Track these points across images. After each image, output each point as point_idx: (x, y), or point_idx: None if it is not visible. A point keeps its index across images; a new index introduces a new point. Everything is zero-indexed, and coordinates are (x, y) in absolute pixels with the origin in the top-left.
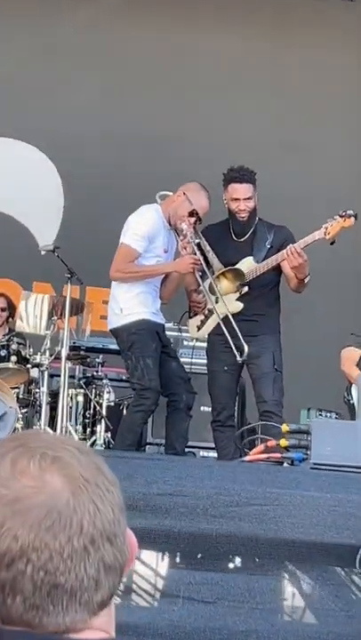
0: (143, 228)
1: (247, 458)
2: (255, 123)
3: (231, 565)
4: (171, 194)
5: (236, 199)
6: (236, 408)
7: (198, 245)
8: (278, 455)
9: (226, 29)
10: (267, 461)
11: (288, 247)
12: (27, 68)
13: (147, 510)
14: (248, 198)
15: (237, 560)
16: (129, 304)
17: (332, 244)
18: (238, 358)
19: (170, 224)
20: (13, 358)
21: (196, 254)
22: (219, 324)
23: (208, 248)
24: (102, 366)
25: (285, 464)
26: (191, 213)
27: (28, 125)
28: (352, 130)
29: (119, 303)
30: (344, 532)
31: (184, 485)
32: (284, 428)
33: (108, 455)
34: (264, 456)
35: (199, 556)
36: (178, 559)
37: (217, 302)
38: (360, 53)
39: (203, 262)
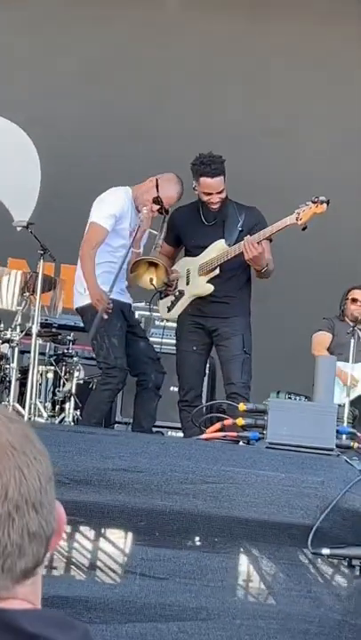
0: (111, 207)
1: (203, 436)
2: (235, 109)
3: (184, 542)
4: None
5: (209, 193)
6: (205, 389)
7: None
8: (234, 434)
9: (207, 13)
10: (223, 440)
11: (244, 239)
12: (4, 42)
13: (101, 485)
14: (220, 191)
15: (190, 537)
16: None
17: (303, 229)
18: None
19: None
20: None
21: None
22: (188, 305)
23: (158, 242)
24: (73, 344)
25: (241, 443)
26: (156, 201)
27: (6, 100)
28: (335, 116)
29: (83, 282)
30: (298, 511)
31: (139, 461)
32: (241, 406)
33: (63, 429)
34: (220, 434)
35: (156, 533)
36: (131, 535)
37: (187, 284)
38: (343, 38)
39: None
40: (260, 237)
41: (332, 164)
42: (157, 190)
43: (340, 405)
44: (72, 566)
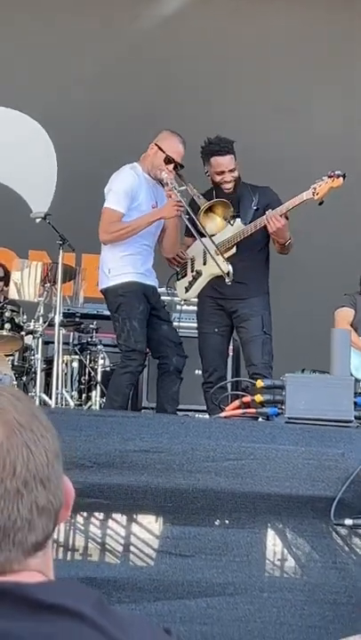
0: (121, 187)
1: (223, 414)
2: (249, 85)
3: (208, 519)
4: None
5: (221, 172)
6: (230, 370)
7: (185, 191)
8: (253, 411)
9: None
10: (242, 417)
11: (267, 213)
12: (20, 36)
13: (123, 467)
14: (232, 170)
15: (214, 514)
16: (116, 264)
17: (320, 204)
18: (227, 280)
19: (154, 178)
20: (7, 326)
21: (179, 200)
22: (208, 286)
23: (195, 191)
24: (97, 332)
25: (260, 419)
26: (168, 160)
27: (21, 93)
28: (349, 88)
29: (107, 264)
30: (319, 484)
31: (160, 442)
32: (259, 383)
33: (83, 414)
34: (239, 412)
35: (175, 510)
36: (156, 515)
37: (204, 264)
38: (351, 8)
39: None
40: (281, 211)
41: (346, 140)
42: (163, 151)
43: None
44: (99, 548)
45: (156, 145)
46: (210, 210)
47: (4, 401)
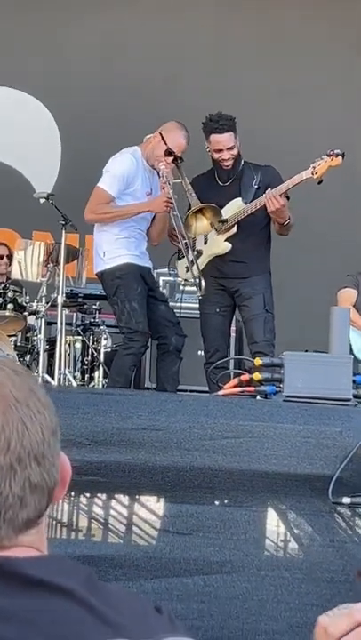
0: (116, 171)
1: (221, 392)
2: (252, 69)
3: (206, 497)
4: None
5: (220, 150)
6: (232, 351)
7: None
8: (252, 389)
9: None
10: (240, 395)
11: (266, 192)
12: (22, 15)
13: (121, 445)
14: (231, 147)
15: (212, 492)
16: (110, 247)
17: (319, 183)
18: (198, 294)
19: (151, 166)
20: (10, 306)
21: (170, 197)
22: (210, 266)
23: (189, 187)
24: (100, 313)
25: (258, 397)
26: (168, 153)
27: (24, 73)
28: (350, 73)
29: (102, 247)
30: (317, 462)
31: (157, 420)
32: (257, 361)
33: (81, 392)
34: (238, 390)
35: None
36: (153, 493)
37: (205, 243)
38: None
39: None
40: (281, 190)
41: (347, 123)
42: (165, 143)
43: None
44: (96, 526)
45: (161, 134)
46: (199, 211)
47: (3, 375)
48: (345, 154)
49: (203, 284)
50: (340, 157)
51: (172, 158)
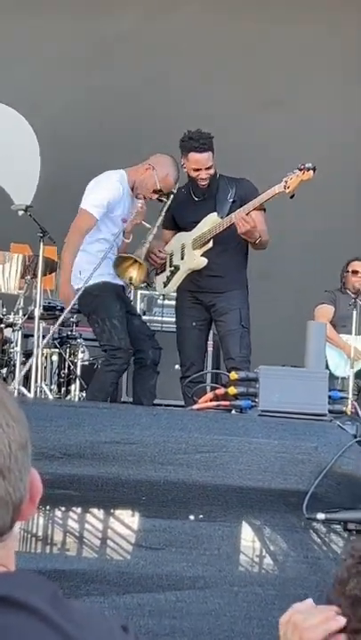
0: (104, 197)
1: (196, 406)
2: (235, 83)
3: (179, 512)
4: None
5: (198, 169)
6: (210, 365)
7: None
8: (227, 403)
9: None
10: (215, 409)
11: (235, 214)
12: (3, 28)
13: (94, 458)
14: (209, 167)
15: (185, 507)
16: (87, 266)
17: (291, 197)
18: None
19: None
20: None
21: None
22: (187, 280)
23: (149, 238)
24: (77, 326)
25: (234, 412)
26: (156, 191)
27: (5, 86)
28: (337, 84)
29: (79, 265)
30: (292, 477)
31: (131, 433)
32: (233, 375)
33: (55, 404)
34: (213, 404)
35: (144, 499)
36: (126, 507)
37: (182, 258)
38: (343, 5)
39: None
40: (248, 209)
41: (331, 136)
42: (157, 179)
43: (344, 378)
44: (68, 540)
45: (152, 168)
46: (135, 261)
47: None
48: (316, 167)
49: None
50: (311, 171)
51: (157, 195)
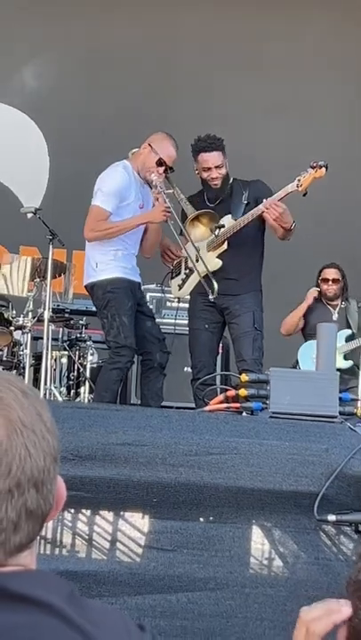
0: (111, 187)
1: (206, 408)
2: (239, 84)
3: (190, 514)
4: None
5: (208, 168)
6: (219, 368)
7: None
8: (237, 405)
9: None
10: (226, 411)
11: (264, 202)
12: (10, 30)
13: (106, 460)
14: (219, 166)
15: (197, 508)
16: (104, 259)
17: (304, 195)
18: (211, 297)
19: (143, 178)
20: None
21: (168, 206)
22: (200, 283)
23: (182, 196)
24: (86, 328)
25: (244, 414)
26: (159, 163)
27: (13, 88)
28: (339, 87)
29: (95, 258)
30: (302, 479)
31: (143, 435)
32: (243, 377)
33: (66, 406)
34: (223, 406)
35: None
36: (138, 508)
37: (197, 261)
38: (346, 10)
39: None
40: (279, 196)
41: (336, 138)
42: (156, 153)
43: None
44: (80, 541)
45: (150, 145)
46: (196, 218)
47: (11, 397)
48: (328, 165)
49: (214, 284)
50: (323, 169)
51: (163, 168)
